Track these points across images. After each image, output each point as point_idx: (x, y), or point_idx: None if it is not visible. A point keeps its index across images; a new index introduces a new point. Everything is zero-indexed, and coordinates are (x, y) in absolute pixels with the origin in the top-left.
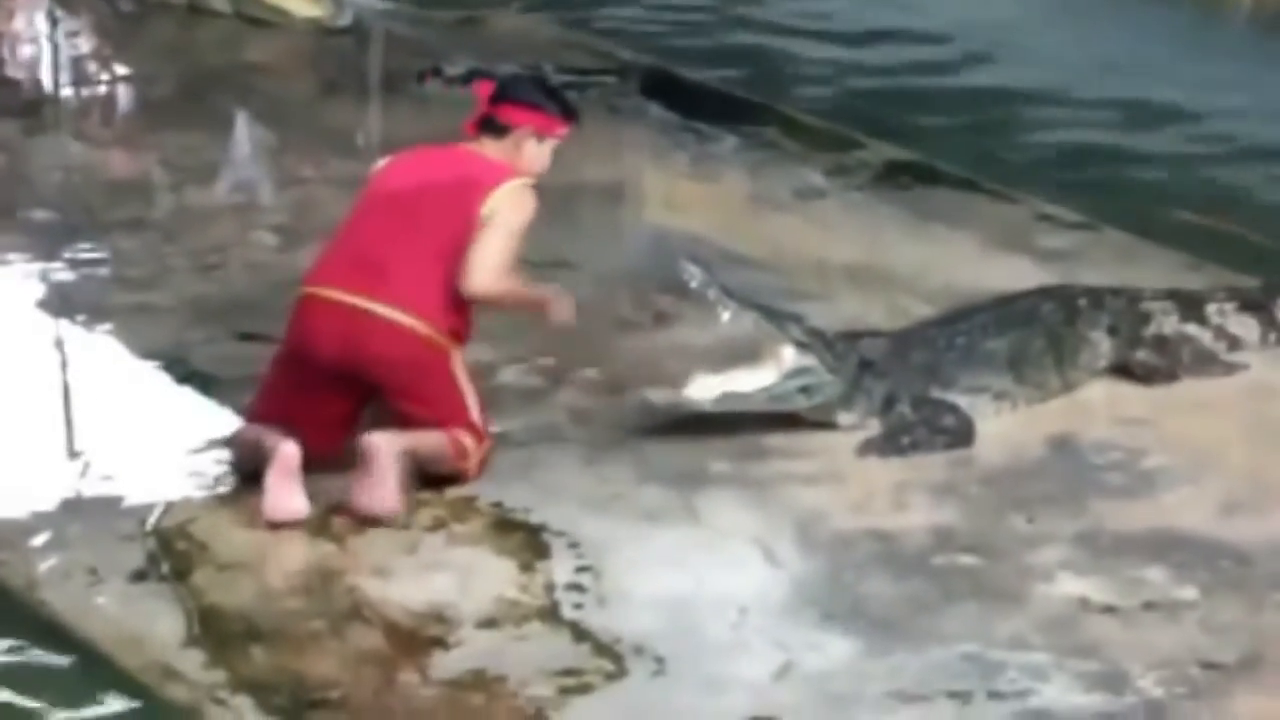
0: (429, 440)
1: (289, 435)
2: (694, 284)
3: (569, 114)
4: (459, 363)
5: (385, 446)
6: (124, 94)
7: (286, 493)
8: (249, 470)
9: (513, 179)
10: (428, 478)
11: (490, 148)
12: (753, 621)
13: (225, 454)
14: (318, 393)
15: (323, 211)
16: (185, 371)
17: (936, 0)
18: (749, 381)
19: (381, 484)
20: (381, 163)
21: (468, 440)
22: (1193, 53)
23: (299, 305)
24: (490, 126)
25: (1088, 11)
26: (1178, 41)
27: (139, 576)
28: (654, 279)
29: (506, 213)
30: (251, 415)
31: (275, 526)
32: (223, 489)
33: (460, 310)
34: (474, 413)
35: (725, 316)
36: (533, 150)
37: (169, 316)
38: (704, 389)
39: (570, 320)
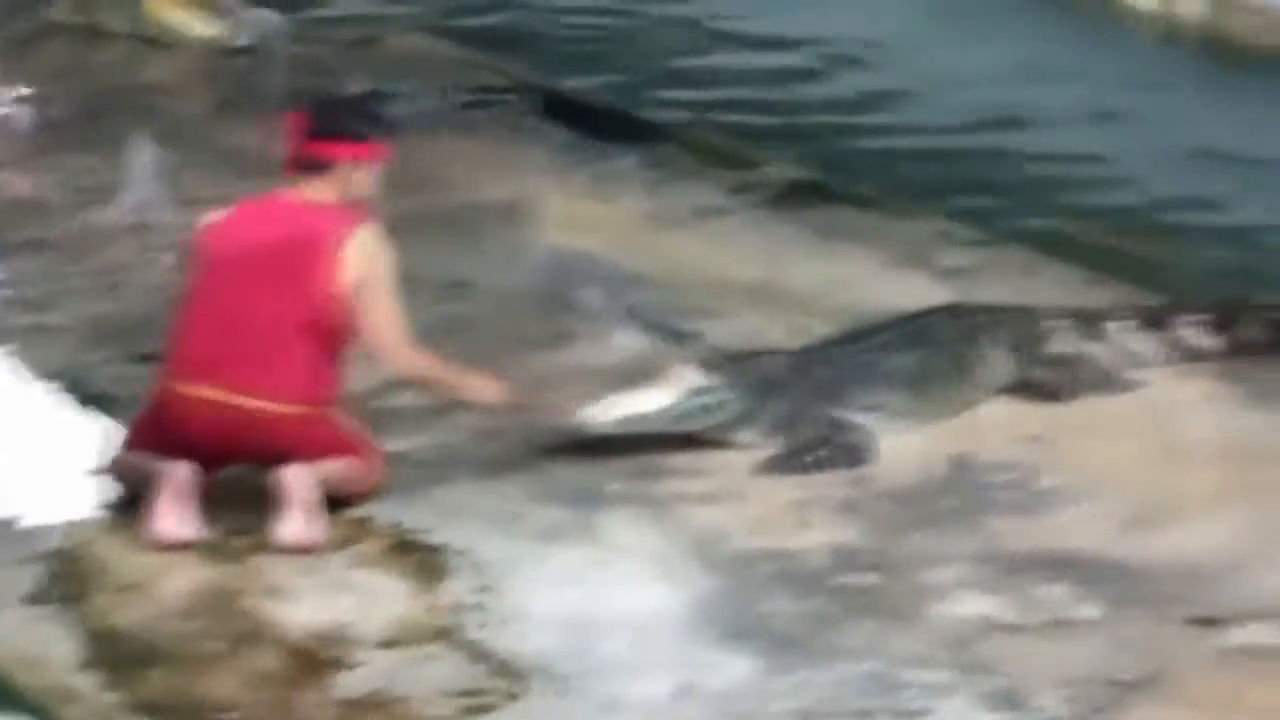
0: (336, 467)
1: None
2: (591, 305)
3: (390, 134)
4: (334, 413)
5: (298, 480)
6: (22, 115)
7: (176, 516)
8: (133, 494)
9: (354, 227)
10: (334, 501)
11: (315, 187)
12: (653, 640)
13: (110, 477)
14: (195, 449)
15: None
16: (85, 393)
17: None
18: (649, 401)
19: (300, 518)
20: (208, 219)
21: (369, 460)
22: (1093, 70)
23: (165, 400)
24: (311, 165)
25: (989, 33)
26: (1077, 57)
27: (36, 599)
28: (553, 298)
29: (374, 269)
30: (131, 444)
31: (163, 549)
32: (121, 511)
33: (330, 374)
34: (362, 440)
35: (624, 338)
36: (360, 179)
37: (68, 337)
38: (604, 410)
39: (500, 404)
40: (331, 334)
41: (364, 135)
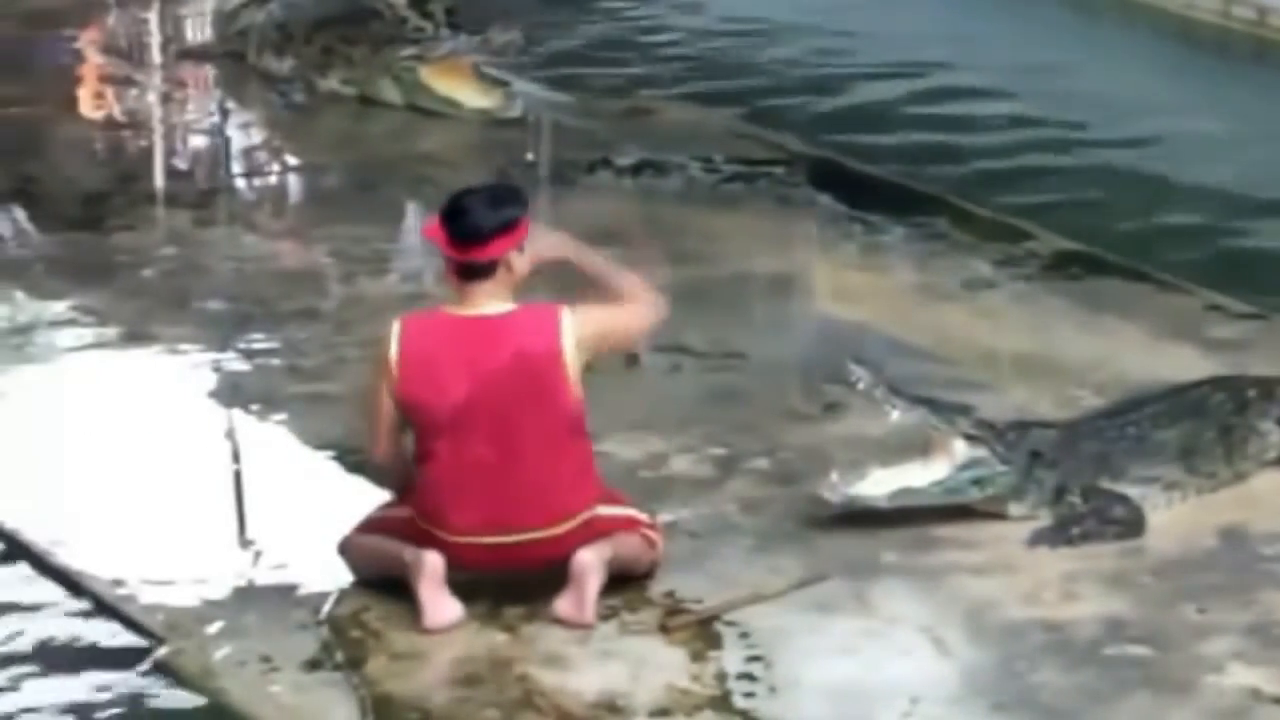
0: (627, 544)
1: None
2: (860, 385)
3: (526, 204)
4: (604, 504)
5: (593, 562)
6: (295, 185)
7: (443, 601)
8: (368, 578)
9: (556, 320)
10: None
11: (488, 290)
12: (924, 711)
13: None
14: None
15: None
16: (358, 461)
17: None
18: (920, 475)
19: (582, 597)
20: (394, 340)
21: (653, 534)
22: None
23: (433, 540)
24: (477, 270)
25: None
26: None
27: (313, 665)
28: (823, 369)
29: (585, 325)
30: (369, 529)
31: (437, 634)
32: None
33: (589, 467)
34: (639, 518)
35: (894, 410)
36: (520, 262)
37: (342, 406)
38: (876, 484)
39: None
40: (582, 428)
41: (514, 221)
